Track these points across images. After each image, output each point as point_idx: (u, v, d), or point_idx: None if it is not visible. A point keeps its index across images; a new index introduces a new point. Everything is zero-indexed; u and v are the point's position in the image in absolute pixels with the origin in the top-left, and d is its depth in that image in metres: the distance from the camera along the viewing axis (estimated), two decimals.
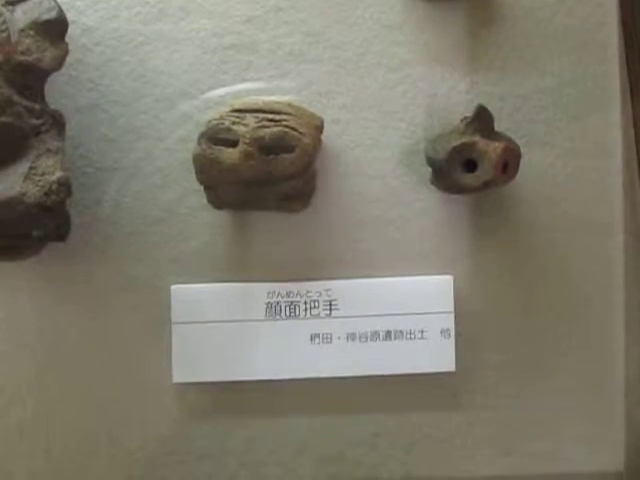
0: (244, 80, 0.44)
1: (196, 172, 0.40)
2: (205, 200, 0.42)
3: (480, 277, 0.45)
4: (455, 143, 0.40)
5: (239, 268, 0.44)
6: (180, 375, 0.43)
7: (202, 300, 0.43)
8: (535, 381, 0.45)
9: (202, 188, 0.42)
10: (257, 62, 0.44)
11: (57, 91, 0.42)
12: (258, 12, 0.44)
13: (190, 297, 0.43)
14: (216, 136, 0.40)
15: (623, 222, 0.45)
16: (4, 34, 0.35)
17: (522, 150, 0.42)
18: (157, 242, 0.44)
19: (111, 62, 0.44)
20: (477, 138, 0.40)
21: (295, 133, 0.40)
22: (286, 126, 0.40)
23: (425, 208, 0.45)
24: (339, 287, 0.43)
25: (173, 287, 0.43)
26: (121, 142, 0.44)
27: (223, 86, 0.44)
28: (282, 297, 0.43)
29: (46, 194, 0.34)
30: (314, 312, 0.43)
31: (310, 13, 0.45)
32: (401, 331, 0.44)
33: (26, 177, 0.34)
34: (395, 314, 0.44)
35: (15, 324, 0.43)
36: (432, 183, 0.43)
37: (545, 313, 0.45)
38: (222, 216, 0.43)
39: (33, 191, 0.33)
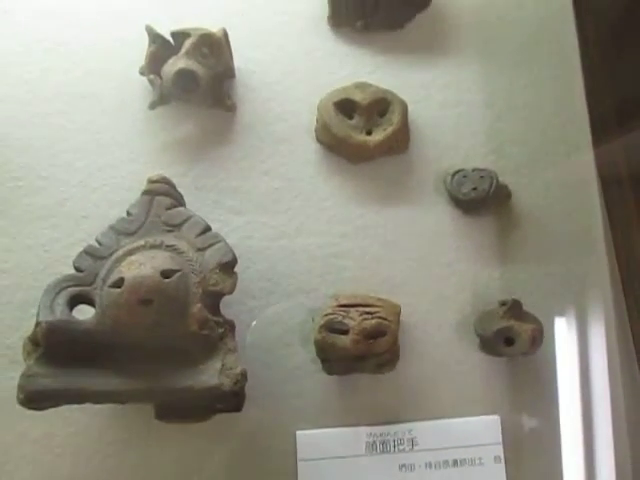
0: (342, 279, 0.62)
1: (317, 351, 0.57)
2: (320, 368, 0.59)
3: (520, 415, 0.61)
4: (497, 327, 0.58)
5: (345, 416, 0.60)
6: None
7: (320, 441, 0.59)
8: None
9: (316, 358, 0.59)
10: (350, 265, 0.63)
11: None
12: (349, 229, 0.64)
13: (311, 439, 0.59)
14: (331, 327, 0.57)
15: (620, 369, 0.63)
16: (202, 274, 0.53)
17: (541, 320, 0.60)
18: (284, 399, 0.60)
19: (248, 269, 0.62)
20: (513, 322, 0.57)
21: (386, 322, 0.57)
22: (379, 317, 0.57)
23: (476, 366, 0.62)
24: (418, 428, 0.60)
25: (298, 432, 0.59)
26: (254, 327, 0.61)
27: (328, 283, 0.62)
28: (377, 437, 0.59)
29: (235, 384, 0.50)
30: (400, 447, 0.59)
31: (386, 229, 0.64)
32: (464, 459, 0.59)
33: (220, 372, 0.50)
34: (459, 446, 0.59)
35: (178, 465, 0.59)
36: (480, 349, 0.60)
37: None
38: (332, 378, 0.60)
39: (227, 382, 0.50)
